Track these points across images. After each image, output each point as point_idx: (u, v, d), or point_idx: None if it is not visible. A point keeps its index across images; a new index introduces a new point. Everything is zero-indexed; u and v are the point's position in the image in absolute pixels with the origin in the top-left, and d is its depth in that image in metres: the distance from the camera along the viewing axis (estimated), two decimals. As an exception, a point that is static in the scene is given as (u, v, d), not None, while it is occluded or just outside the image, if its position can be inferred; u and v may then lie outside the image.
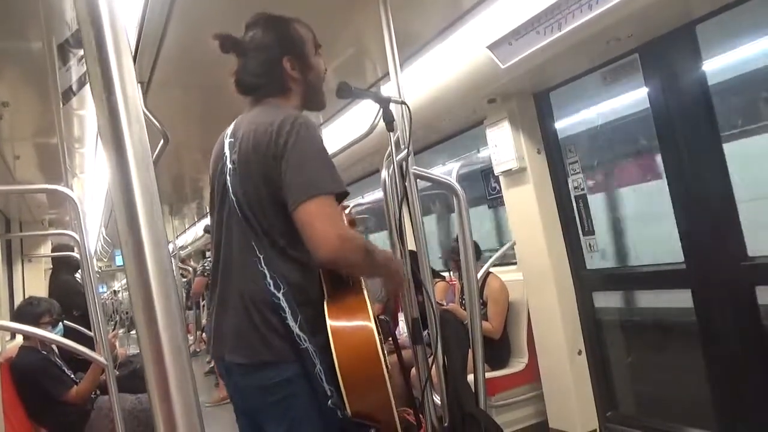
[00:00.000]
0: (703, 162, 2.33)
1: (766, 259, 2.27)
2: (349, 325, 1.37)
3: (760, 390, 2.24)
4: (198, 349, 8.21)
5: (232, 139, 1.45)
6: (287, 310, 1.31)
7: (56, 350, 3.24)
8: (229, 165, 1.42)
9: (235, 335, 1.36)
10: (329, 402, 1.31)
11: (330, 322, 1.34)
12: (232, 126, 1.50)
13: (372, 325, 1.35)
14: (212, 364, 6.38)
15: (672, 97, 2.40)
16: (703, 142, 2.32)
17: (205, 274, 5.46)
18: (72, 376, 3.07)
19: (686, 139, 2.37)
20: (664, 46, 2.36)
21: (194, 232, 8.72)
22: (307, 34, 1.54)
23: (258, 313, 1.33)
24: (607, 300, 3.01)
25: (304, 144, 1.33)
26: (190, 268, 6.82)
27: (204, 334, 7.20)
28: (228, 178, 1.41)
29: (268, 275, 1.33)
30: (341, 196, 1.35)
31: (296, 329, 1.31)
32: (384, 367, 1.32)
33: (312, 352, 1.31)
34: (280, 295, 1.32)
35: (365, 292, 1.45)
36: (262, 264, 1.33)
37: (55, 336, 2.70)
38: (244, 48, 1.49)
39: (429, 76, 2.79)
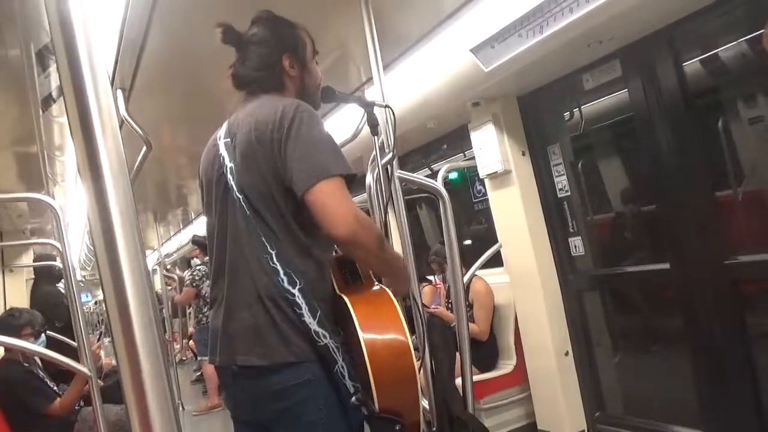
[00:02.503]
0: (684, 163, 2.35)
1: (749, 257, 2.30)
2: (378, 319, 1.33)
3: (744, 387, 2.26)
4: (184, 358, 8.13)
5: (228, 139, 1.42)
6: (304, 306, 1.28)
7: (39, 362, 3.19)
8: (229, 165, 1.38)
9: (251, 335, 1.31)
10: (353, 399, 1.28)
11: (356, 317, 1.29)
12: (224, 127, 1.48)
13: (401, 318, 1.32)
14: (199, 372, 6.33)
15: (652, 98, 2.42)
16: (684, 143, 2.35)
17: (194, 284, 5.40)
18: (55, 388, 3.02)
19: (667, 140, 2.39)
20: (645, 48, 2.38)
21: (179, 240, 8.65)
22: (308, 40, 1.55)
23: (276, 309, 1.29)
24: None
25: (310, 129, 1.31)
26: (175, 276, 6.74)
27: (190, 341, 7.13)
28: (230, 177, 1.37)
29: (281, 271, 1.29)
30: (350, 180, 1.32)
31: (314, 326, 1.27)
32: (414, 359, 1.29)
33: (333, 348, 1.28)
34: (295, 291, 1.28)
35: (385, 287, 1.42)
36: (274, 260, 1.30)
37: (37, 347, 2.66)
38: (246, 41, 1.48)
39: (413, 79, 2.80)
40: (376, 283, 1.45)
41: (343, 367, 1.28)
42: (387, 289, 1.41)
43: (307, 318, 1.28)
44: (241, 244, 1.36)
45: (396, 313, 1.32)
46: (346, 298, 1.34)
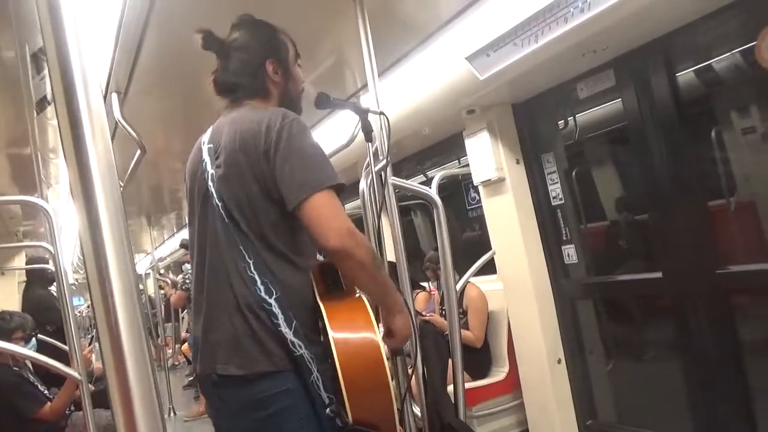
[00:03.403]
0: (677, 172, 2.37)
1: (741, 267, 2.31)
2: (351, 328, 1.33)
3: (735, 396, 2.27)
4: (177, 363, 8.08)
5: (212, 145, 1.42)
6: (280, 316, 1.28)
7: (29, 366, 3.16)
8: (211, 171, 1.38)
9: (230, 344, 1.30)
10: (327, 410, 1.27)
11: (330, 326, 1.29)
12: (209, 132, 1.47)
13: (375, 328, 1.32)
14: (192, 377, 6.29)
15: (646, 108, 2.43)
16: (677, 153, 2.36)
17: (183, 288, 5.37)
18: (46, 392, 3.00)
19: (660, 149, 2.41)
20: (639, 58, 2.40)
21: (173, 244, 8.62)
22: (290, 44, 1.55)
23: (255, 318, 1.29)
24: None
25: (299, 140, 1.31)
26: (169, 280, 6.71)
27: (181, 347, 7.09)
28: (211, 184, 1.37)
29: (258, 281, 1.29)
30: (339, 190, 1.33)
31: (290, 336, 1.27)
32: (387, 369, 1.29)
33: (308, 358, 1.28)
34: (271, 300, 1.28)
35: (363, 296, 1.42)
36: (252, 269, 1.30)
37: (28, 351, 2.64)
38: (227, 47, 1.47)
39: (408, 86, 2.80)
40: (357, 291, 1.44)
41: (318, 378, 1.28)
42: (364, 297, 1.40)
43: (284, 328, 1.28)
44: (221, 252, 1.36)
45: (370, 323, 1.32)
46: (322, 307, 1.34)
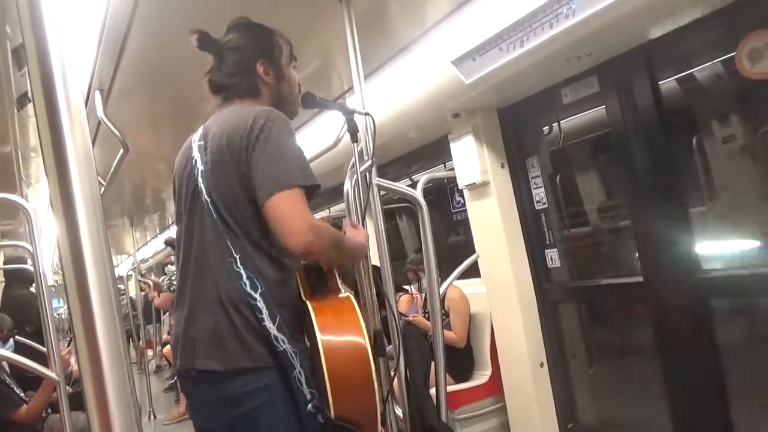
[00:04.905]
0: (659, 177, 2.40)
1: (721, 272, 2.35)
2: (338, 325, 1.34)
3: (715, 400, 2.30)
4: (160, 364, 8.00)
5: (202, 142, 1.43)
6: (264, 311, 1.29)
7: (6, 367, 3.11)
8: (200, 167, 1.40)
9: (211, 340, 1.31)
10: (309, 405, 1.28)
11: (317, 323, 1.30)
12: (200, 130, 1.49)
13: (362, 326, 1.33)
14: (173, 380, 6.23)
15: (629, 115, 2.46)
16: (659, 160, 2.39)
17: (172, 289, 5.31)
18: (22, 394, 2.95)
19: (642, 156, 2.44)
20: (622, 65, 2.43)
21: (155, 246, 8.53)
22: (285, 46, 1.56)
23: (237, 314, 1.29)
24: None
25: (276, 138, 1.32)
26: (150, 282, 6.64)
27: (163, 349, 7.02)
28: (200, 180, 1.39)
29: (244, 275, 1.30)
30: (313, 191, 1.33)
31: (274, 330, 1.28)
32: (373, 367, 1.30)
33: (291, 354, 1.29)
34: (256, 295, 1.29)
35: (350, 295, 1.44)
36: (238, 264, 1.31)
37: (4, 352, 2.60)
38: (221, 48, 1.49)
39: (395, 89, 2.81)
40: (343, 290, 1.45)
41: (300, 374, 1.29)
42: (352, 297, 1.42)
43: (268, 322, 1.28)
44: (207, 248, 1.36)
45: (357, 321, 1.34)
46: (309, 305, 1.35)
